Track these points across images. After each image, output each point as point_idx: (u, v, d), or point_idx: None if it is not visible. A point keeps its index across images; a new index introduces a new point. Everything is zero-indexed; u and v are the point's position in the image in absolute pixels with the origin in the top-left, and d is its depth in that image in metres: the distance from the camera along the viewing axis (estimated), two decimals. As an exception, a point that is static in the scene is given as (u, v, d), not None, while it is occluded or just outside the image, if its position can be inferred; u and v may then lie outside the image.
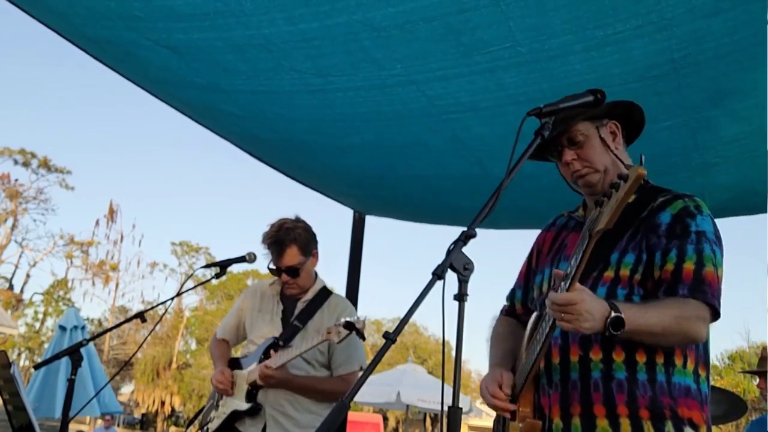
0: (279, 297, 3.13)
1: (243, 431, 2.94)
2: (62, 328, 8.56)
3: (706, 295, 1.71)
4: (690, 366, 1.78)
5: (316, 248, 3.08)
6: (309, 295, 3.08)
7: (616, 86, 2.64)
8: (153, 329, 4.30)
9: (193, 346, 40.19)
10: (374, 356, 1.42)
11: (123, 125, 55.92)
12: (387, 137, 3.50)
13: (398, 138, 3.49)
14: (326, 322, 2.91)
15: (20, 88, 51.97)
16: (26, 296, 37.21)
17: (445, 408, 1.50)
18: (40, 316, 36.73)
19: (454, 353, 1.47)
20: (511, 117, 3.01)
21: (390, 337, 1.40)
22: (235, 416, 2.96)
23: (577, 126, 1.89)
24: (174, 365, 36.50)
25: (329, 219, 7.77)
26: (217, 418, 3.02)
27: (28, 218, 38.83)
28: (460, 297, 1.49)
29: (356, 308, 3.64)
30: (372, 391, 13.21)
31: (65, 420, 2.69)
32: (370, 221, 5.02)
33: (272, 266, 3.01)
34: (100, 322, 38.26)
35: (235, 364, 3.09)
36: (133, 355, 3.82)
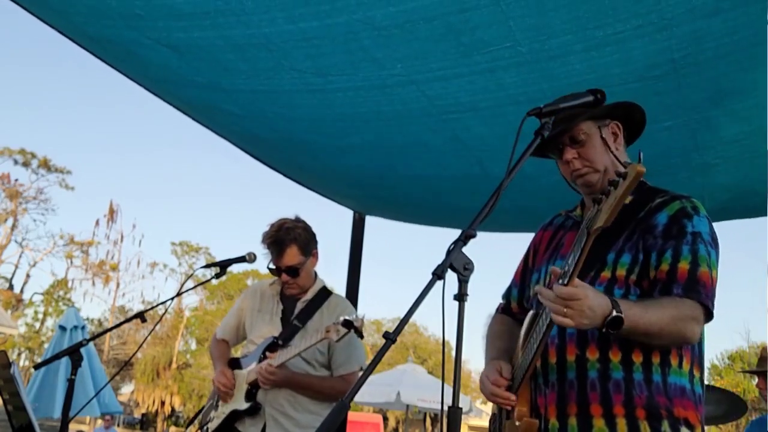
0: (279, 297, 3.13)
1: (243, 431, 2.94)
2: (62, 328, 8.56)
3: (700, 295, 1.72)
4: (686, 366, 1.78)
5: (316, 248, 3.08)
6: (309, 295, 3.08)
7: (616, 86, 2.64)
8: (153, 329, 4.30)
9: (193, 346, 40.20)
10: (374, 356, 1.42)
11: (123, 125, 56.00)
12: (387, 137, 3.50)
13: (398, 138, 3.49)
14: (326, 322, 2.91)
15: (20, 88, 52.05)
16: (26, 296, 37.26)
17: (445, 408, 1.50)
18: (40, 316, 36.77)
19: (454, 353, 1.47)
20: (511, 117, 3.01)
21: (390, 337, 1.40)
22: (235, 416, 2.96)
23: (579, 125, 1.89)
24: (174, 365, 36.50)
25: (329, 219, 7.77)
26: (216, 418, 3.02)
27: (28, 218, 38.89)
28: (460, 297, 1.49)
29: (356, 308, 3.64)
30: (372, 391, 13.21)
31: (65, 420, 2.69)
32: (370, 221, 5.02)
33: (272, 266, 3.01)
34: (100, 322, 38.29)
35: (234, 364, 3.09)
36: (133, 355, 3.82)
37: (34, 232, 58.54)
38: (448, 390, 1.52)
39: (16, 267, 36.87)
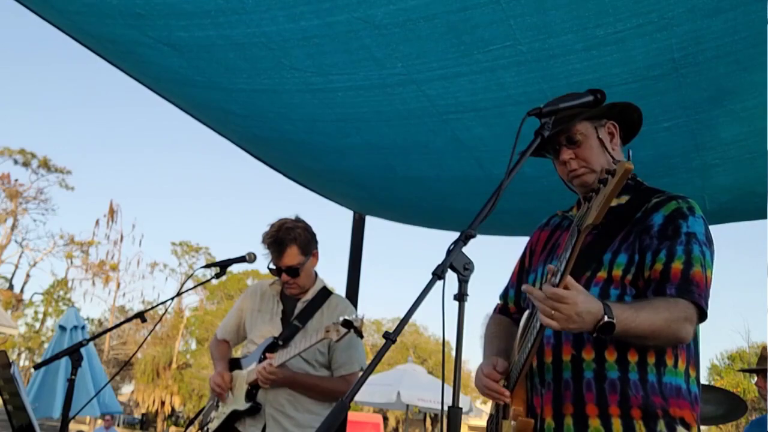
0: (279, 297, 3.13)
1: (243, 431, 2.94)
2: (62, 328, 8.56)
3: (693, 294, 1.72)
4: (681, 366, 1.79)
5: (316, 248, 3.08)
6: (309, 295, 3.08)
7: (617, 86, 2.64)
8: (153, 329, 4.29)
9: (193, 346, 40.20)
10: (374, 356, 1.42)
11: (123, 125, 56.04)
12: (387, 137, 3.49)
13: (398, 138, 3.49)
14: (326, 322, 2.90)
15: (20, 88, 52.05)
16: (26, 296, 37.27)
17: (445, 408, 1.50)
18: (40, 316, 36.77)
19: (454, 353, 1.47)
20: (511, 117, 3.01)
21: (390, 337, 1.40)
22: (235, 416, 2.96)
23: (576, 126, 1.90)
24: (174, 365, 36.50)
25: (329, 219, 7.78)
26: (217, 418, 3.02)
27: (28, 218, 38.89)
28: (460, 297, 1.49)
29: (356, 308, 3.64)
30: (372, 391, 13.22)
31: (65, 420, 2.69)
32: (370, 221, 5.02)
33: (272, 266, 3.01)
34: (100, 322, 38.30)
35: (235, 364, 3.09)
36: (133, 355, 3.81)
37: (34, 232, 58.69)
38: (448, 390, 1.52)
39: (16, 267, 36.93)
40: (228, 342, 3.26)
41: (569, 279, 1.58)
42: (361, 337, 2.86)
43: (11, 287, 35.99)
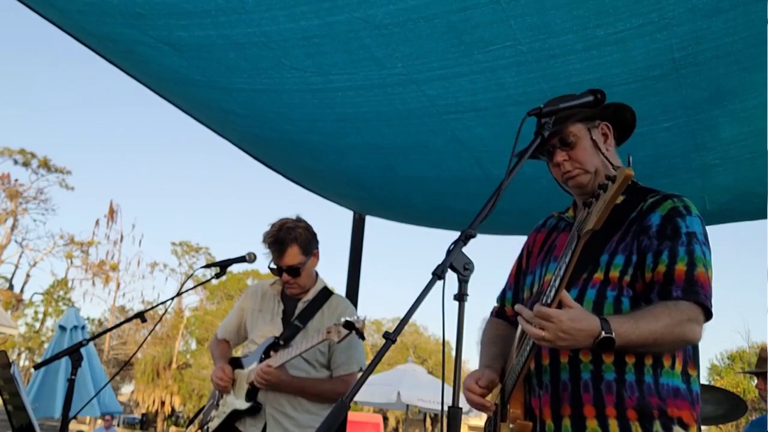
0: (280, 297, 3.13)
1: (243, 431, 2.94)
2: (62, 328, 8.56)
3: (699, 295, 1.72)
4: (678, 367, 1.79)
5: (317, 248, 3.08)
6: (310, 295, 3.08)
7: (617, 86, 2.64)
8: (153, 329, 4.29)
9: (193, 346, 40.20)
10: (374, 356, 1.42)
11: (123, 125, 56.05)
12: (387, 137, 3.49)
13: (398, 138, 3.49)
14: (327, 322, 2.90)
15: (21, 87, 52.06)
16: (26, 296, 37.28)
17: (445, 408, 1.50)
18: (40, 316, 36.77)
19: (454, 353, 1.47)
20: (511, 117, 3.01)
21: (390, 337, 1.40)
22: (236, 415, 2.96)
23: (569, 128, 1.90)
24: (174, 365, 36.50)
25: (329, 219, 7.78)
26: (217, 418, 3.02)
27: (28, 218, 38.90)
28: (460, 297, 1.49)
29: (356, 308, 3.64)
30: (372, 391, 13.21)
31: (65, 420, 2.69)
32: (370, 221, 5.02)
33: (273, 266, 3.00)
34: (100, 322, 38.31)
35: (236, 363, 3.09)
36: (133, 355, 3.81)
37: (34, 232, 58.71)
38: (448, 390, 1.52)
39: (16, 267, 36.94)
40: (228, 342, 3.26)
41: (563, 295, 1.59)
42: (363, 338, 2.85)
43: (11, 287, 36.00)
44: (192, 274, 4.58)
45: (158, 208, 58.58)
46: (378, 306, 65.07)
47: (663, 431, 1.71)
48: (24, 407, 2.42)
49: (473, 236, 1.55)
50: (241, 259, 3.05)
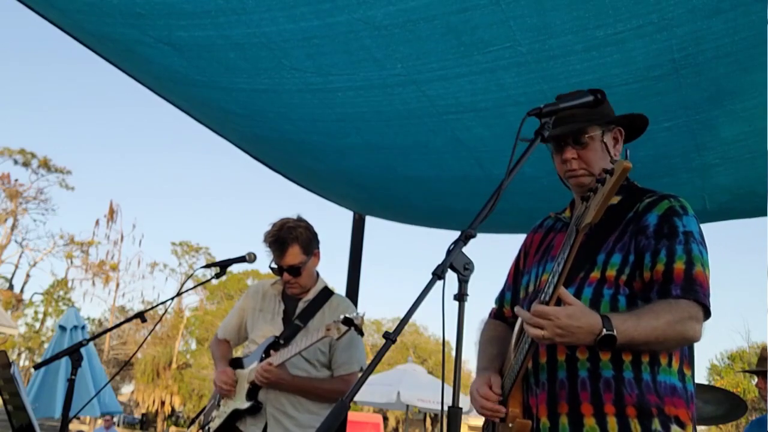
0: (281, 297, 3.13)
1: (244, 430, 2.94)
2: (62, 328, 8.56)
3: (698, 294, 1.73)
4: (675, 365, 1.79)
5: (318, 248, 3.08)
6: (310, 295, 3.08)
7: (617, 86, 2.64)
8: (153, 329, 4.29)
9: (193, 346, 40.21)
10: (374, 356, 1.42)
11: (123, 125, 56.05)
12: (387, 137, 3.50)
13: (398, 138, 3.49)
14: (327, 322, 2.90)
15: (20, 87, 52.07)
16: (26, 296, 37.27)
17: (445, 408, 1.51)
18: (40, 316, 36.77)
19: (454, 353, 1.48)
20: (511, 118, 3.01)
21: (390, 337, 1.40)
22: (236, 415, 2.96)
23: (587, 129, 1.90)
24: (174, 365, 36.50)
25: (329, 219, 7.78)
26: (218, 417, 3.02)
27: (28, 218, 38.90)
28: (460, 297, 1.49)
29: (356, 308, 3.64)
30: (372, 391, 13.21)
31: (65, 420, 2.69)
32: (370, 221, 5.02)
33: (274, 265, 3.01)
34: (100, 322, 38.31)
35: (237, 363, 3.09)
36: (133, 355, 3.81)
37: (34, 232, 58.68)
38: (448, 390, 1.52)
39: (16, 267, 36.94)
40: (229, 342, 3.26)
41: (562, 291, 1.60)
42: (362, 334, 2.86)
43: (11, 287, 36.00)
44: (192, 274, 4.58)
45: (158, 208, 58.65)
46: (378, 306, 65.15)
47: (662, 429, 1.71)
48: (24, 407, 2.42)
49: (473, 236, 1.55)
50: (241, 259, 3.06)
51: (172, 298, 3.38)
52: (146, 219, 64.64)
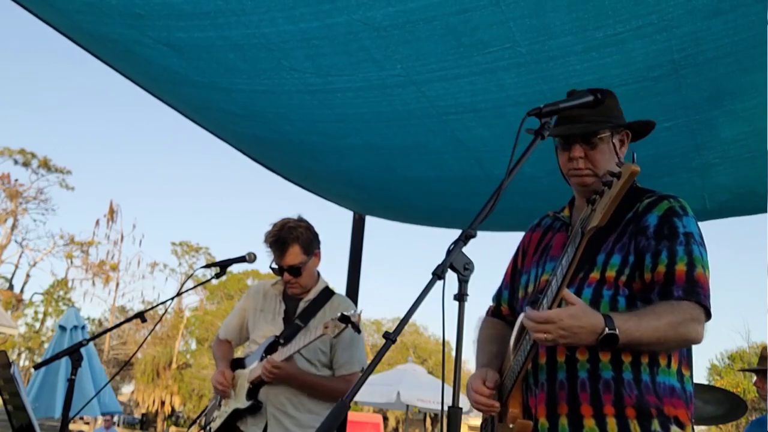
0: (281, 297, 3.13)
1: (244, 430, 2.94)
2: (62, 328, 8.56)
3: (700, 296, 1.73)
4: (674, 366, 1.80)
5: (319, 248, 3.08)
6: (311, 295, 3.08)
7: (617, 87, 2.62)
8: (153, 329, 4.30)
9: (193, 346, 40.20)
10: (374, 356, 1.42)
11: (123, 125, 56.04)
12: (386, 138, 3.50)
13: (398, 139, 3.49)
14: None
15: (20, 88, 52.06)
16: (26, 296, 37.27)
17: (445, 408, 1.51)
18: (40, 316, 36.77)
19: (454, 353, 1.48)
20: (511, 118, 3.01)
21: (390, 337, 1.40)
22: (237, 414, 2.96)
23: (600, 131, 1.89)
24: (174, 365, 36.49)
25: (329, 220, 7.77)
26: (219, 417, 3.02)
27: (28, 218, 38.84)
28: (460, 297, 1.49)
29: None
30: (372, 391, 13.21)
31: (65, 420, 2.69)
32: (370, 221, 5.03)
33: (274, 265, 3.01)
34: (100, 322, 38.30)
35: (238, 363, 3.09)
36: (133, 355, 3.82)
37: (34, 232, 58.58)
38: (448, 390, 1.52)
39: (16, 267, 36.93)
40: (230, 342, 3.26)
41: (565, 292, 1.61)
42: (359, 332, 2.86)
43: (11, 287, 36.00)
44: (192, 274, 4.59)
45: (158, 208, 58.63)
46: (378, 306, 65.15)
47: (661, 430, 1.71)
48: (24, 407, 2.43)
49: (473, 236, 1.55)
50: (241, 259, 3.06)
51: (172, 298, 3.39)
52: (146, 219, 64.72)
